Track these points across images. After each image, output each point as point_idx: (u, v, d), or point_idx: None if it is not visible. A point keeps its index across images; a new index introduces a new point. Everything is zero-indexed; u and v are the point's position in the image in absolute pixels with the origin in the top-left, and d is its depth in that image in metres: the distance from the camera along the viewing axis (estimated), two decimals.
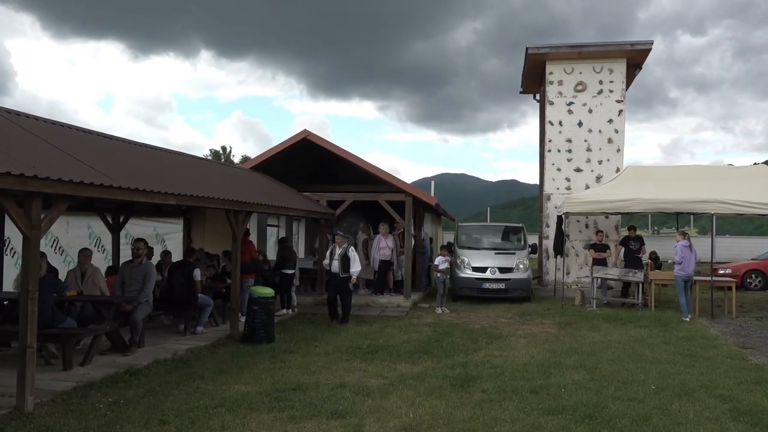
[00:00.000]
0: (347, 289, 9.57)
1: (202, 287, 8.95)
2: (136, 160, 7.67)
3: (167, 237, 12.99)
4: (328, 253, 9.75)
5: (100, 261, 10.57)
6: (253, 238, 13.76)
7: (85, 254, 7.74)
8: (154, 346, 7.72)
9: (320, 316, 10.50)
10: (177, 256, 10.77)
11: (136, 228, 11.31)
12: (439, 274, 11.55)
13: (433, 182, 25.36)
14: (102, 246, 10.92)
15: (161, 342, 8.02)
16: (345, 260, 9.45)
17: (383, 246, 12.64)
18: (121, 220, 9.82)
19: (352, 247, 9.59)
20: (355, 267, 9.49)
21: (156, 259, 10.04)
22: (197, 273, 8.76)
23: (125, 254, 9.63)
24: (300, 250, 17.43)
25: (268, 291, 8.47)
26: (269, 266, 11.06)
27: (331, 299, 9.67)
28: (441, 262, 11.56)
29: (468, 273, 12.92)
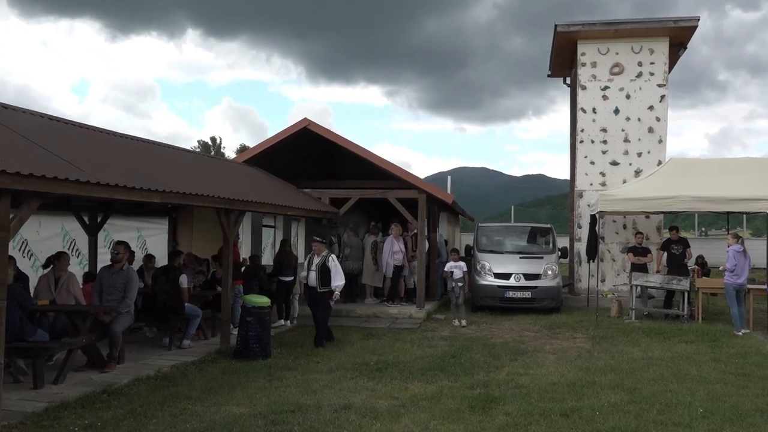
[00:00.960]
0: (325, 306, 9.01)
1: (189, 295, 8.97)
2: (115, 153, 7.69)
3: (150, 239, 13.03)
4: (305, 262, 9.25)
5: (75, 266, 10.61)
6: (247, 240, 13.78)
7: (60, 259, 7.76)
8: (136, 362, 7.74)
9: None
10: (161, 260, 10.80)
11: (115, 229, 11.35)
12: (453, 283, 11.47)
13: (449, 177, 25.31)
14: (77, 249, 10.97)
15: (143, 357, 8.04)
16: (324, 271, 8.92)
17: (396, 250, 12.61)
18: (99, 220, 9.86)
19: (333, 256, 9.02)
20: (338, 280, 8.88)
21: (138, 264, 10.06)
22: (184, 279, 8.77)
23: (103, 259, 9.65)
24: (300, 254, 17.45)
25: (263, 300, 8.46)
26: (263, 272, 11.04)
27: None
28: (452, 267, 11.49)
29: (489, 280, 12.89)
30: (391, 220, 13.40)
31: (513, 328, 11.03)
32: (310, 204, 11.52)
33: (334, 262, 8.94)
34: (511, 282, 12.79)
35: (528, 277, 12.84)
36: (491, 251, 13.64)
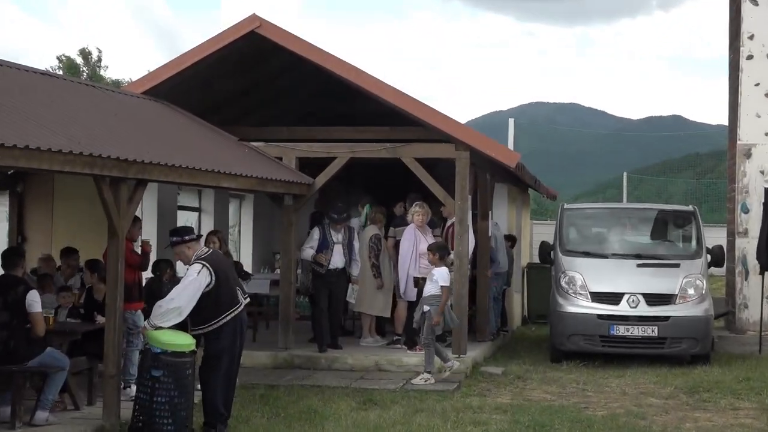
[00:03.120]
0: (205, 361, 8.73)
1: (46, 330, 8.94)
2: None
3: None
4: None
5: None
6: (152, 229, 13.73)
7: None
8: None
9: (285, 390, 10.50)
10: None
11: None
12: (426, 308, 11.27)
13: (511, 121, 25.08)
14: None
15: None
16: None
17: (424, 250, 12.46)
18: None
19: (199, 266, 8.51)
20: (163, 305, 8.39)
21: None
22: (35, 301, 8.76)
23: None
24: (245, 257, 17.47)
25: (181, 340, 8.42)
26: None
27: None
28: (432, 278, 11.30)
29: (582, 305, 12.90)
30: (409, 197, 13.28)
31: (626, 391, 10.97)
32: (262, 169, 11.43)
33: (186, 277, 8.56)
34: (622, 309, 12.76)
35: (652, 299, 12.80)
36: (586, 254, 13.64)
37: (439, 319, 11.19)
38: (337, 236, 12.72)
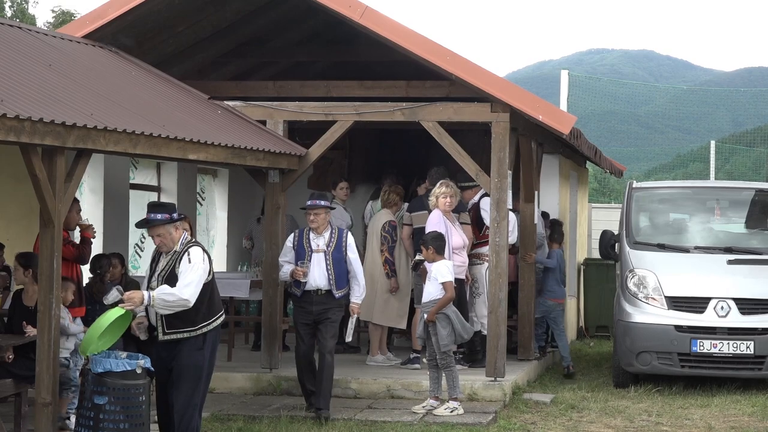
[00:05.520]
0: (188, 374, 8.72)
1: None
2: None
3: None
4: (148, 272, 9.04)
5: None
6: (96, 213, 13.78)
7: None
8: None
9: (270, 423, 10.62)
10: None
11: None
12: (423, 314, 11.41)
13: (564, 74, 24.96)
14: None
15: None
16: (171, 283, 8.72)
17: (459, 244, 12.39)
18: None
19: (201, 251, 8.69)
20: (179, 290, 8.38)
21: None
22: None
23: None
24: (218, 251, 17.62)
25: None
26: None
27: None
28: (430, 275, 11.37)
29: (656, 313, 12.97)
30: (430, 174, 13.25)
31: (712, 426, 10.98)
32: (240, 136, 11.44)
33: (193, 263, 8.53)
34: (708, 318, 12.81)
35: (748, 306, 12.87)
36: (661, 247, 13.69)
37: (432, 317, 11.16)
38: (317, 240, 11.45)
